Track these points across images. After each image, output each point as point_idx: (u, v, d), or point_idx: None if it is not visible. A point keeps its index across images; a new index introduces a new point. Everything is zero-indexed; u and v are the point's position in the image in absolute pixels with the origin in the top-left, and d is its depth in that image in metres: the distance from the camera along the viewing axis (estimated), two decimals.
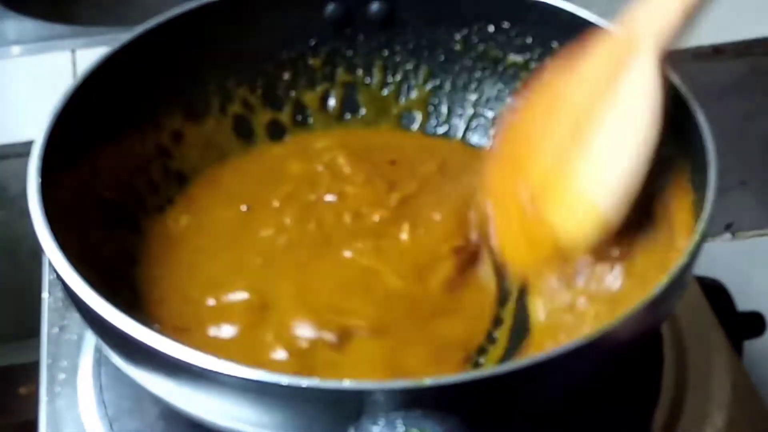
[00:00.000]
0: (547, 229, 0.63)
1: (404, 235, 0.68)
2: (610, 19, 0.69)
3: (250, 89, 0.76)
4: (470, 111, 0.78)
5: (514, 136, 0.67)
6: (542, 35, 0.74)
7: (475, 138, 0.78)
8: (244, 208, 0.71)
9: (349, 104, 0.79)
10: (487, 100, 0.77)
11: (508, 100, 0.76)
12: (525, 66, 0.75)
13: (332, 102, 0.78)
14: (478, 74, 0.77)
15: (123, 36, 0.69)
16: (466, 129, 0.78)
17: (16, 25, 1.00)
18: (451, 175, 0.74)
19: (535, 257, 0.64)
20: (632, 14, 0.61)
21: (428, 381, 0.47)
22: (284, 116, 0.77)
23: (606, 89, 0.62)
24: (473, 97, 0.78)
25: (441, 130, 0.78)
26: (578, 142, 0.62)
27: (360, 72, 0.78)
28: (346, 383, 0.47)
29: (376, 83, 0.79)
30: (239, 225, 0.70)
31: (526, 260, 0.65)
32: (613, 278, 0.63)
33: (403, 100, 0.79)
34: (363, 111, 0.79)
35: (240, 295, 0.65)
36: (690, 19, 0.60)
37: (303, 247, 0.68)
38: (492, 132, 0.77)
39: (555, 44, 0.73)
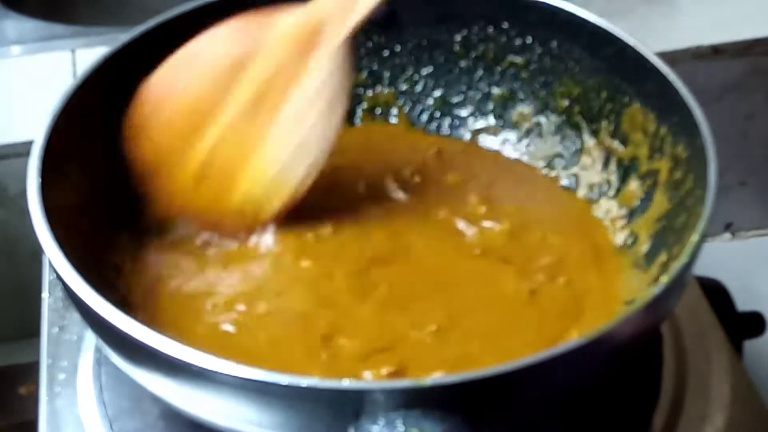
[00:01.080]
0: (226, 186, 0.66)
1: None
2: (610, 19, 0.69)
3: None
4: (471, 111, 0.78)
5: (181, 94, 0.68)
6: (542, 35, 0.73)
7: (479, 138, 0.78)
8: None
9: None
10: (488, 100, 0.77)
11: (510, 99, 0.77)
12: (525, 66, 0.75)
13: None
14: (478, 74, 0.77)
15: (123, 36, 0.69)
16: (467, 129, 0.78)
17: (16, 25, 1.00)
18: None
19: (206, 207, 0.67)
20: (313, 6, 0.65)
21: (428, 381, 0.47)
22: None
23: (292, 64, 0.65)
24: (473, 96, 0.78)
25: (445, 129, 0.78)
26: (261, 112, 0.65)
27: (360, 72, 0.78)
28: (346, 383, 0.48)
29: (376, 83, 0.79)
30: None
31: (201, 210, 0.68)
32: None
33: (402, 100, 0.79)
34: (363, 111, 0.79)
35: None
36: (374, 6, 0.64)
37: None
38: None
39: (554, 44, 0.73)
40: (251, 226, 0.67)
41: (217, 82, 0.66)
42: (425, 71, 0.78)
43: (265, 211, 0.67)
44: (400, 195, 0.72)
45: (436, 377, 0.47)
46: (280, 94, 0.65)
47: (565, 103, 0.74)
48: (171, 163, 0.67)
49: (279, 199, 0.66)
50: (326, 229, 0.68)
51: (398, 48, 0.78)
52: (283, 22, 0.66)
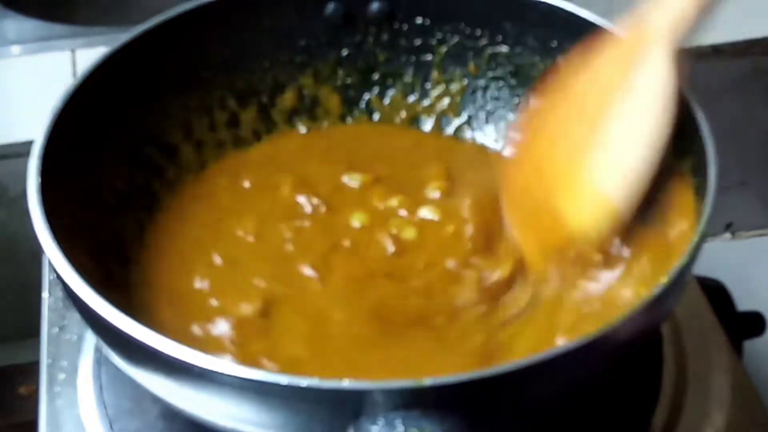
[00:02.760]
0: (560, 219, 0.63)
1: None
2: (610, 19, 0.69)
3: (249, 89, 0.76)
4: (471, 110, 0.78)
5: (531, 138, 0.67)
6: (542, 35, 0.73)
7: (478, 137, 0.78)
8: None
9: (348, 104, 0.79)
10: (488, 99, 0.77)
11: (508, 98, 0.77)
12: (524, 65, 0.75)
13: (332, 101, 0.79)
14: (478, 73, 0.77)
15: (123, 36, 0.69)
16: (468, 128, 0.78)
17: (16, 24, 1.00)
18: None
19: (550, 247, 0.64)
20: (645, 8, 0.62)
21: (427, 381, 0.47)
22: (280, 116, 0.77)
23: (619, 85, 0.62)
24: (473, 95, 0.78)
25: (448, 129, 0.79)
26: (593, 138, 0.63)
27: (360, 72, 0.78)
28: (345, 383, 0.47)
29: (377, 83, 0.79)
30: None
31: (541, 251, 0.65)
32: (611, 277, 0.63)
33: (403, 101, 0.79)
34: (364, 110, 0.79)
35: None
36: (705, 11, 0.61)
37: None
38: (505, 133, 0.77)
39: (554, 44, 0.73)
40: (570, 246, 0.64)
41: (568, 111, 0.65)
42: (425, 70, 0.78)
43: (594, 235, 0.63)
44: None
45: (436, 377, 0.47)
46: (607, 114, 0.62)
47: None
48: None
49: (607, 224, 0.62)
50: None
51: (399, 48, 0.78)
52: (609, 43, 0.64)
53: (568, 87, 0.66)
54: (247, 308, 0.63)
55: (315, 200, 0.71)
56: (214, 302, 0.64)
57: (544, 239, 0.65)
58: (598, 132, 0.63)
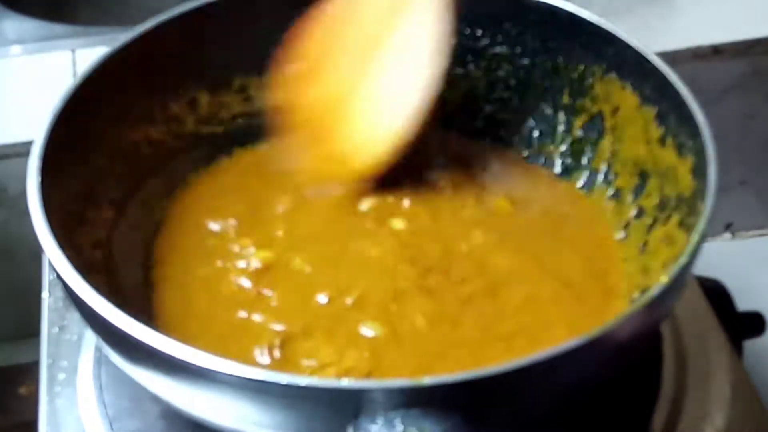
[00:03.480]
0: (338, 147, 0.67)
1: None
2: (610, 19, 0.69)
3: (250, 88, 0.76)
4: (470, 109, 0.78)
5: (304, 54, 0.69)
6: (542, 35, 0.73)
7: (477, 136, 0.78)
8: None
9: None
10: (487, 98, 0.77)
11: (508, 97, 0.77)
12: (524, 65, 0.75)
13: None
14: (477, 73, 0.77)
15: (123, 36, 0.69)
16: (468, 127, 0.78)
17: (16, 24, 1.00)
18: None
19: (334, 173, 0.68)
20: None
21: (427, 380, 0.47)
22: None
23: (393, 18, 0.65)
24: (473, 95, 0.78)
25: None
26: (366, 67, 0.66)
27: None
28: (345, 382, 0.47)
29: None
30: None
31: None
32: None
33: None
34: None
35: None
36: None
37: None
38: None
39: (554, 44, 0.73)
40: (350, 175, 0.67)
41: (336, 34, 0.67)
42: None
43: (364, 162, 0.66)
44: None
45: (435, 377, 0.47)
46: (381, 43, 0.65)
47: (565, 100, 0.74)
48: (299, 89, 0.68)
49: (376, 152, 0.66)
50: None
51: None
52: None
53: (338, 11, 0.68)
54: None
55: None
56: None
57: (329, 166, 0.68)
58: (371, 64, 0.65)
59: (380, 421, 0.47)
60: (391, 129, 0.65)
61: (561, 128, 0.75)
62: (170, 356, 0.49)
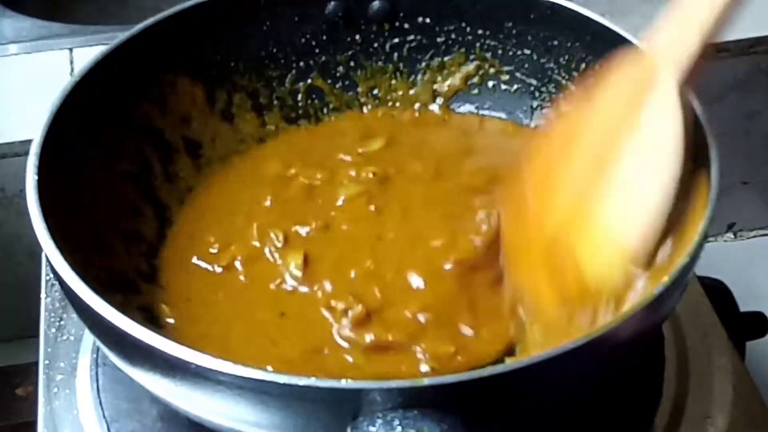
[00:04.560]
0: (573, 267, 0.60)
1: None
2: (612, 18, 0.69)
3: (248, 87, 0.76)
4: (470, 109, 0.78)
5: (535, 168, 0.65)
6: (543, 34, 0.73)
7: None
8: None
9: (348, 103, 0.79)
10: (487, 97, 0.77)
11: (508, 98, 0.76)
12: (524, 65, 0.75)
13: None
14: (478, 73, 0.77)
15: (120, 34, 0.69)
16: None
17: (14, 23, 1.00)
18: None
19: (560, 295, 0.60)
20: (650, 40, 0.60)
21: (426, 380, 0.47)
22: (276, 117, 0.77)
23: (626, 120, 0.59)
24: (472, 94, 0.77)
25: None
26: (601, 175, 0.60)
27: (360, 71, 0.78)
28: (344, 382, 0.47)
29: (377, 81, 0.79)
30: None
31: (549, 297, 0.61)
32: None
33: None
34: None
35: None
36: (708, 44, 0.58)
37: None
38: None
39: (555, 43, 0.73)
40: (595, 301, 0.59)
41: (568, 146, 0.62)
42: (425, 68, 0.78)
43: (609, 283, 0.58)
44: None
45: (435, 377, 0.47)
46: (615, 153, 0.59)
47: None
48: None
49: (622, 269, 0.58)
50: None
51: (398, 46, 0.77)
52: (615, 75, 0.61)
53: (572, 119, 0.63)
54: None
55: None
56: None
57: (559, 285, 0.60)
58: (606, 171, 0.59)
59: (379, 421, 0.46)
60: (636, 240, 0.58)
61: None
62: (169, 356, 0.49)
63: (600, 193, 0.59)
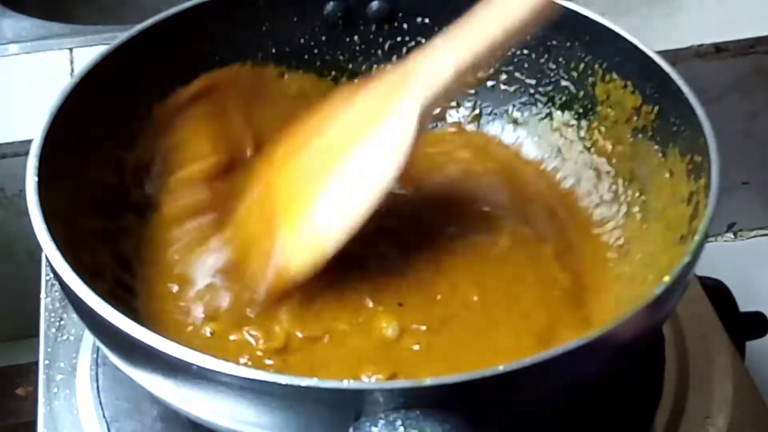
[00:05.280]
0: (275, 247, 0.62)
1: None
2: (612, 18, 0.69)
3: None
4: (470, 108, 0.78)
5: (280, 151, 0.67)
6: (542, 33, 0.73)
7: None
8: None
9: None
10: (486, 97, 0.77)
11: (508, 97, 0.76)
12: (523, 65, 0.75)
13: None
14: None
15: (120, 34, 0.69)
16: (469, 123, 0.78)
17: (14, 23, 1.00)
18: None
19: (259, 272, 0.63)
20: (410, 61, 0.62)
21: (428, 381, 0.47)
22: None
23: (367, 124, 0.62)
24: (474, 94, 0.78)
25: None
26: (326, 169, 0.62)
27: (359, 71, 0.78)
28: (346, 383, 0.47)
29: None
30: None
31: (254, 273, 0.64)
32: None
33: None
34: None
35: None
36: (460, 81, 0.61)
37: None
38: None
39: (554, 43, 0.73)
40: (279, 282, 0.62)
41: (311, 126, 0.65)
42: None
43: (295, 266, 0.62)
44: None
45: (437, 377, 0.47)
46: (346, 152, 0.62)
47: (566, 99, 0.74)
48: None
49: (310, 254, 0.61)
50: None
51: (398, 46, 0.77)
52: (377, 81, 0.64)
53: (326, 114, 0.65)
54: None
55: None
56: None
57: (258, 263, 0.63)
58: (331, 169, 0.62)
59: (381, 422, 0.46)
60: (328, 233, 0.61)
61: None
62: (169, 357, 0.49)
63: (319, 189, 0.62)
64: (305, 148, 0.65)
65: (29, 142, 0.61)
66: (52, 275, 0.72)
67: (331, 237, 0.61)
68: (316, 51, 0.77)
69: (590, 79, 0.72)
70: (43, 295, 0.73)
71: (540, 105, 0.75)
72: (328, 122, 0.65)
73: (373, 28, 0.77)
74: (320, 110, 0.66)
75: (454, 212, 0.69)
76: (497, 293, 0.64)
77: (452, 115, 0.78)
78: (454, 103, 0.78)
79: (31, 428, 0.66)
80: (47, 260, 0.56)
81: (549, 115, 0.75)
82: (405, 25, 0.77)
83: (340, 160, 0.62)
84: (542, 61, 0.74)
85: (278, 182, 0.65)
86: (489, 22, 0.60)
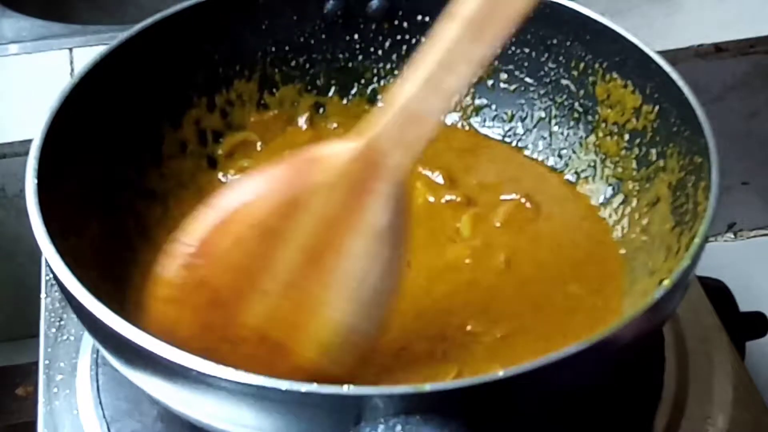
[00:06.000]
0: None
1: None
2: (613, 18, 0.69)
3: (248, 87, 0.76)
4: (469, 108, 0.78)
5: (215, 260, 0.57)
6: (542, 32, 0.73)
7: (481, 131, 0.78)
8: None
9: (346, 102, 0.79)
10: (485, 96, 0.77)
11: (508, 96, 0.76)
12: (523, 63, 0.75)
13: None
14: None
15: (120, 34, 0.69)
16: (467, 123, 0.78)
17: (14, 23, 1.00)
18: None
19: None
20: (371, 136, 0.56)
21: (428, 386, 0.47)
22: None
23: (348, 206, 0.56)
24: (470, 92, 0.78)
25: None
26: (316, 268, 0.56)
27: (359, 70, 0.78)
28: (345, 389, 0.47)
29: (375, 80, 0.78)
30: None
31: None
32: None
33: None
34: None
35: None
36: (428, 141, 0.56)
37: None
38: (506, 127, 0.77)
39: (554, 42, 0.73)
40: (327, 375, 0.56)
41: (266, 235, 0.56)
42: None
43: (336, 367, 0.57)
44: None
45: (436, 383, 0.47)
46: (337, 242, 0.56)
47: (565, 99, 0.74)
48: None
49: (348, 355, 0.57)
50: None
51: (398, 45, 0.77)
52: (336, 157, 0.56)
53: (269, 207, 0.57)
54: None
55: None
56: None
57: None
58: (323, 263, 0.56)
59: (381, 427, 0.46)
60: (357, 337, 0.57)
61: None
62: (169, 361, 0.49)
63: (319, 287, 0.56)
64: (265, 256, 0.57)
65: (29, 142, 0.61)
66: (51, 275, 0.72)
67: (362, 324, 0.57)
68: (316, 50, 0.77)
69: (590, 79, 0.72)
70: (43, 295, 0.73)
71: (540, 104, 0.75)
72: (279, 219, 0.57)
73: (373, 26, 0.77)
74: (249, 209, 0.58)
75: None
76: None
77: (451, 115, 0.78)
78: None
79: (31, 428, 0.66)
80: (47, 261, 0.56)
81: (549, 114, 0.75)
82: (405, 24, 0.77)
83: (334, 254, 0.56)
84: (542, 60, 0.74)
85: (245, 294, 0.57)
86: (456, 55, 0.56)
